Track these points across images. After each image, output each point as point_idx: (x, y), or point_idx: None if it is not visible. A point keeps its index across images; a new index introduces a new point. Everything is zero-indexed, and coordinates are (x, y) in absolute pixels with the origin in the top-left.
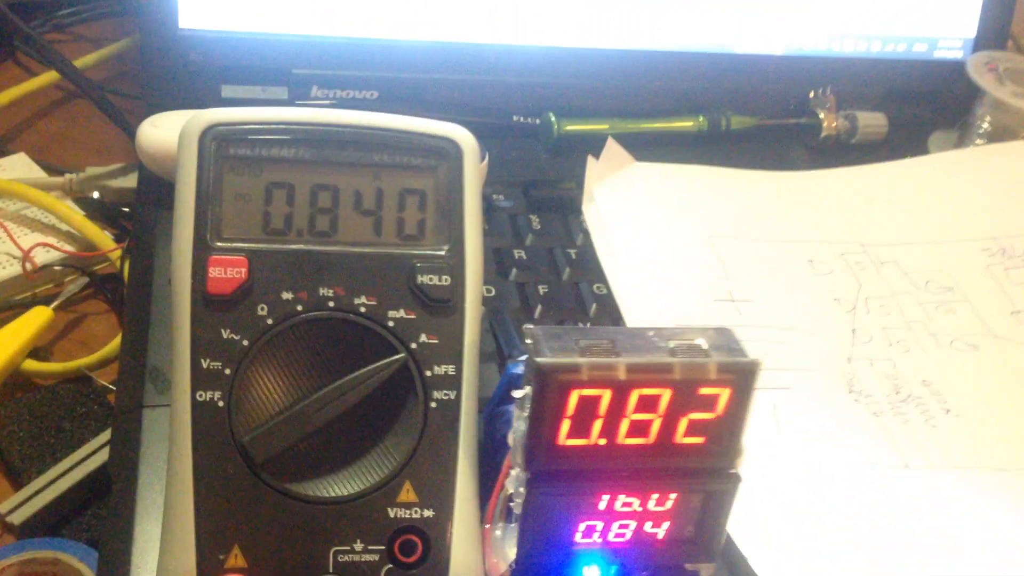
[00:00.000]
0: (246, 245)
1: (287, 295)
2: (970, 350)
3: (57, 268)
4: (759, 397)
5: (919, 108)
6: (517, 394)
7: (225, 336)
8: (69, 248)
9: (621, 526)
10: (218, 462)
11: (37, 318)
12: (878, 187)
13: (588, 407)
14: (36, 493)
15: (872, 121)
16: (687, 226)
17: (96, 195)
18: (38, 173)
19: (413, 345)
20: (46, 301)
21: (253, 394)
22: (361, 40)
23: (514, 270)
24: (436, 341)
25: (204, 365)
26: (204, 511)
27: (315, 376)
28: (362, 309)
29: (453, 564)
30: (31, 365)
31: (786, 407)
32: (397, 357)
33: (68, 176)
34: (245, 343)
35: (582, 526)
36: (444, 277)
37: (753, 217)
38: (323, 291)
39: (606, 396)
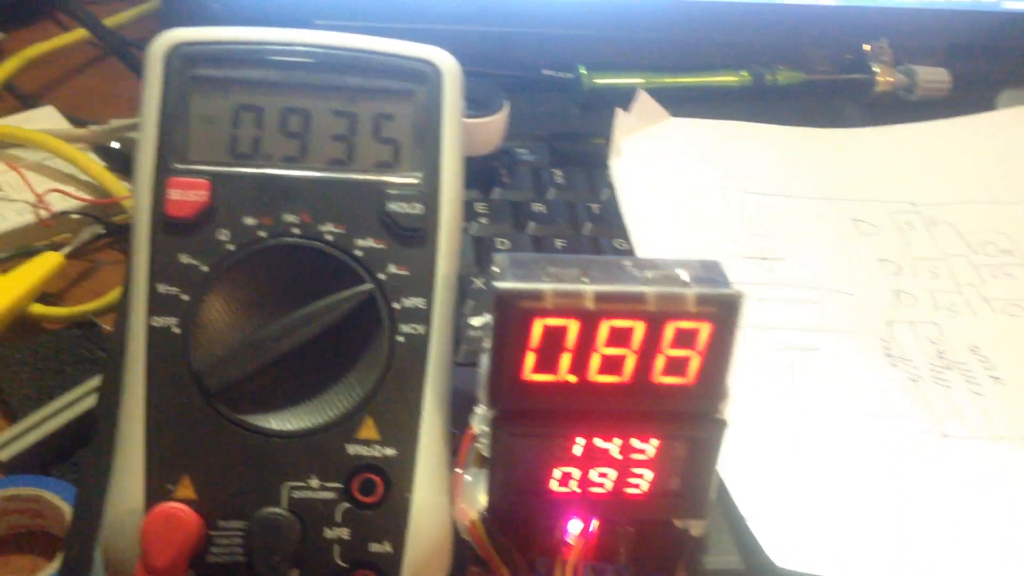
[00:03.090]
0: (209, 168)
1: (250, 220)
2: None
3: (74, 216)
4: (783, 356)
5: (985, 63)
6: (476, 321)
7: (184, 261)
8: (87, 197)
9: (600, 475)
10: (171, 390)
11: (46, 263)
12: (935, 144)
13: (554, 339)
14: (26, 432)
15: (933, 77)
16: (720, 182)
17: (116, 145)
18: (64, 125)
19: (381, 276)
20: (62, 249)
21: (211, 322)
22: None
23: (532, 223)
24: (406, 272)
25: (161, 290)
26: (154, 439)
27: (277, 306)
28: (328, 237)
29: (415, 506)
30: (38, 309)
31: (812, 367)
32: (363, 287)
33: (91, 128)
34: (204, 269)
35: (557, 473)
36: (416, 205)
37: (794, 175)
38: (288, 217)
39: (573, 327)
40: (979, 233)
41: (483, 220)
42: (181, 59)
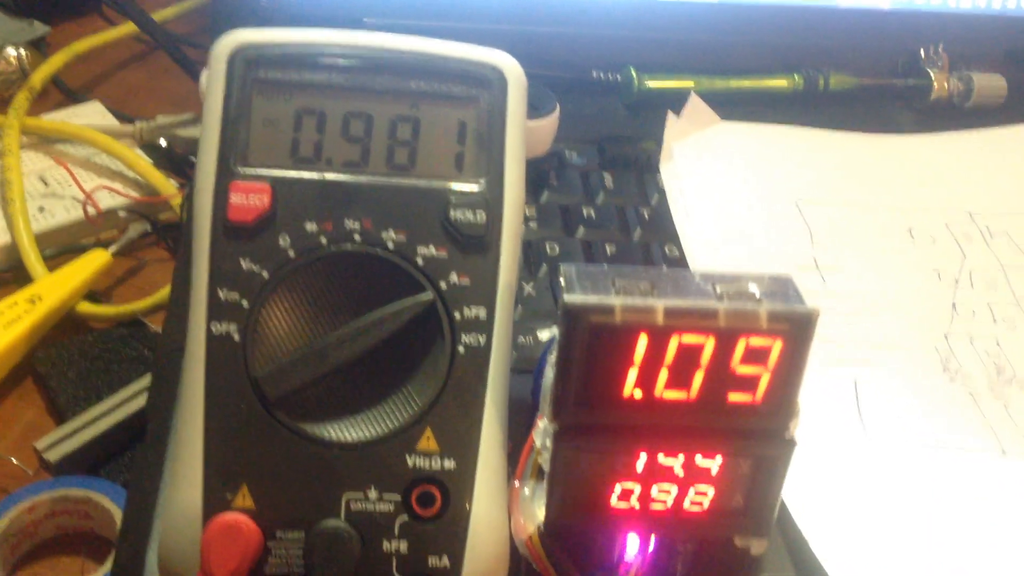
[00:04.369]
0: (271, 172)
1: (311, 226)
2: None
3: (121, 213)
4: (841, 371)
5: None
6: (544, 335)
7: (244, 267)
8: (134, 194)
9: (661, 491)
10: (231, 397)
11: (94, 261)
12: (992, 153)
13: (622, 354)
14: (75, 432)
15: (989, 83)
16: (773, 188)
17: (163, 142)
18: (110, 121)
19: (442, 284)
20: (109, 246)
21: (270, 329)
22: None
23: (582, 228)
24: (467, 281)
25: (221, 296)
26: (213, 447)
27: (336, 313)
28: (390, 244)
29: (474, 520)
30: (86, 307)
31: (870, 382)
32: (424, 296)
33: (138, 124)
34: (265, 275)
35: (617, 488)
36: (480, 213)
37: (848, 182)
38: (349, 223)
39: (642, 342)
40: None
41: (532, 224)
42: (244, 61)
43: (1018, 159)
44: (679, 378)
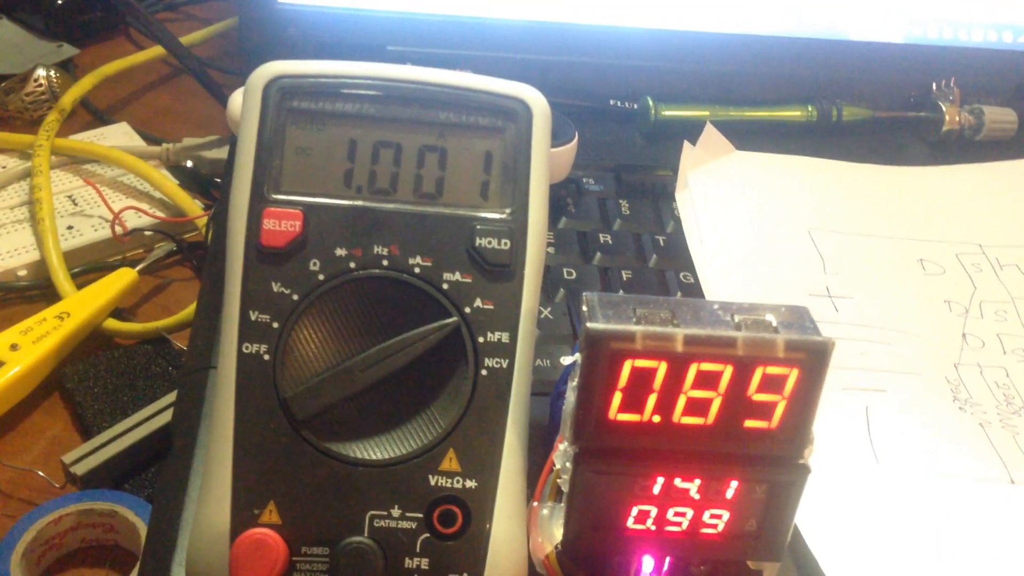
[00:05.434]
0: (303, 199)
1: (341, 251)
2: None
3: (148, 233)
4: (852, 398)
5: None
6: (566, 360)
7: (275, 289)
8: (160, 214)
9: (676, 514)
10: (260, 416)
11: (121, 279)
12: (1003, 185)
13: (642, 380)
14: (101, 446)
15: (1000, 117)
16: (786, 218)
17: (189, 164)
18: (138, 142)
19: (467, 309)
20: (135, 265)
21: (300, 350)
22: (456, 18)
23: (598, 254)
24: (491, 307)
25: (252, 317)
26: (242, 464)
27: (364, 335)
28: (416, 270)
29: (493, 539)
30: (112, 324)
31: (881, 410)
32: (449, 321)
33: (165, 146)
34: (295, 298)
35: (634, 511)
36: (504, 241)
37: (860, 212)
38: (378, 249)
39: (661, 369)
40: None
41: (550, 249)
42: (279, 91)
43: None
44: (697, 405)
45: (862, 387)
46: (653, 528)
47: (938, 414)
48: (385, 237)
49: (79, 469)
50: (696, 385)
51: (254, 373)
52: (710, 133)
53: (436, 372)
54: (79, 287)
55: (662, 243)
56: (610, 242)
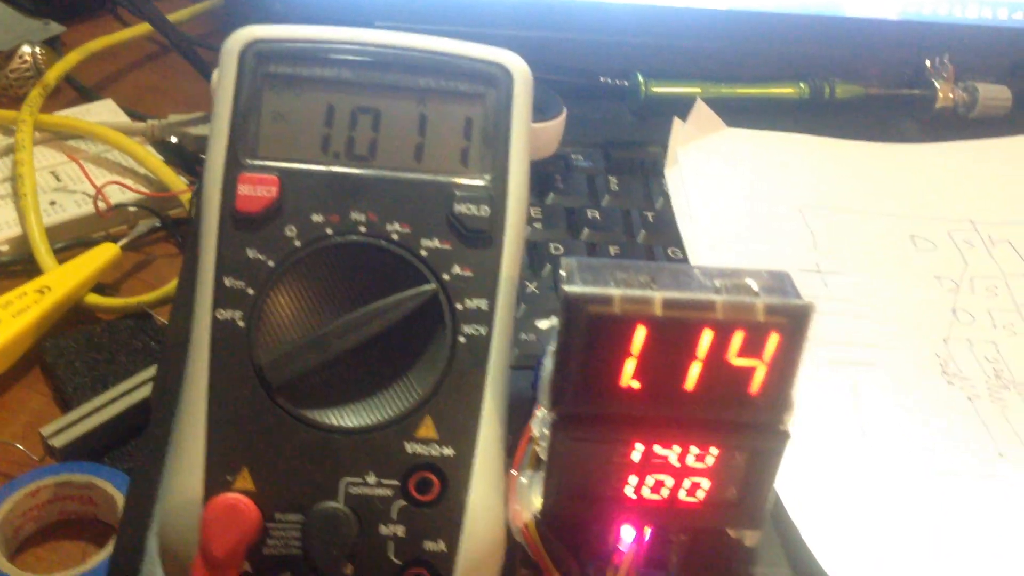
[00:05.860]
0: (279, 164)
1: (317, 217)
2: None
3: (131, 209)
4: (840, 372)
5: None
6: (543, 324)
7: (251, 256)
8: (144, 190)
9: (657, 482)
10: (234, 383)
11: (103, 254)
12: (996, 162)
13: (620, 344)
14: (80, 419)
15: (994, 94)
16: (776, 194)
17: (174, 140)
18: (122, 118)
19: (445, 276)
20: (118, 240)
21: (275, 316)
22: None
23: (586, 230)
24: (470, 274)
25: (227, 284)
26: (216, 430)
27: (341, 302)
28: (394, 236)
29: (470, 507)
30: (94, 299)
31: (869, 384)
32: (427, 287)
33: (150, 122)
34: (271, 264)
35: (614, 478)
36: (483, 208)
37: (852, 189)
38: (355, 216)
39: (640, 333)
40: None
41: (537, 225)
42: (255, 56)
43: (1021, 169)
44: (676, 369)
45: (850, 361)
46: (633, 496)
47: (926, 388)
48: (363, 203)
49: (57, 441)
50: (676, 349)
51: (228, 340)
52: (700, 109)
53: (413, 339)
54: (61, 262)
55: (651, 219)
56: (598, 218)
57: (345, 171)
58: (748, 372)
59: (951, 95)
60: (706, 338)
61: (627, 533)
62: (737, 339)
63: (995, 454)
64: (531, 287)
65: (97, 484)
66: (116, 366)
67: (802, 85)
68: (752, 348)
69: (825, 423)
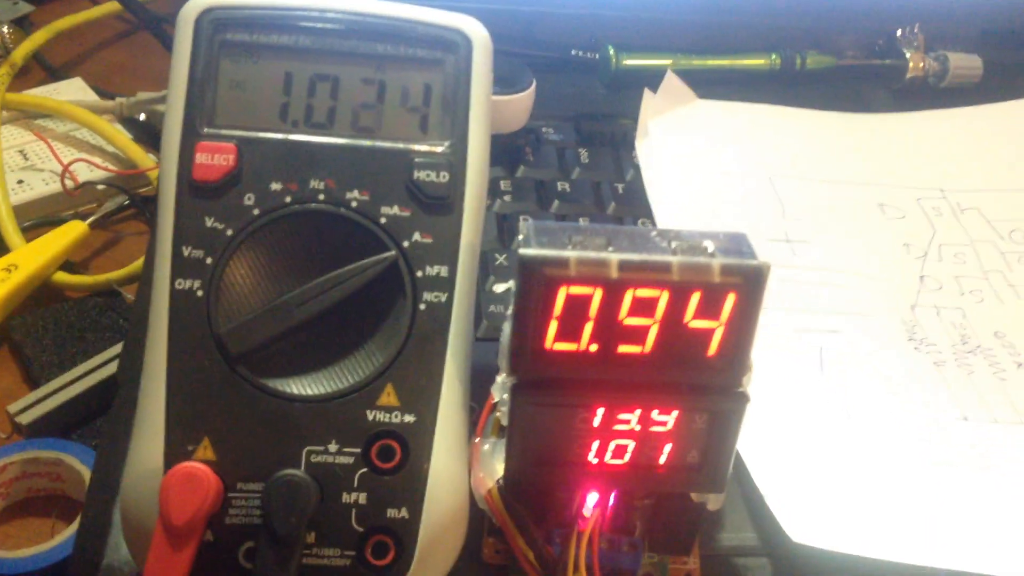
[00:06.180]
0: (237, 133)
1: (276, 186)
2: None
3: (100, 187)
4: (805, 339)
5: (1017, 51)
6: (499, 287)
7: (209, 224)
8: (112, 168)
9: (618, 447)
10: (193, 352)
11: (71, 232)
12: (965, 131)
13: (577, 307)
14: (47, 396)
15: (965, 63)
16: (747, 165)
17: (143, 117)
18: (91, 97)
19: (405, 243)
20: (87, 218)
21: (234, 286)
22: None
23: (556, 202)
24: (430, 240)
25: (185, 253)
26: (175, 401)
27: (300, 271)
28: (353, 204)
29: (432, 474)
30: (62, 277)
31: (834, 350)
32: (387, 255)
33: (118, 100)
34: (229, 232)
35: (576, 443)
36: (443, 174)
37: (822, 159)
38: (314, 183)
39: (597, 296)
40: (1006, 220)
41: (507, 198)
42: (211, 24)
43: (990, 138)
44: (634, 332)
45: (817, 329)
46: (595, 461)
47: (892, 353)
48: (321, 171)
49: (24, 418)
50: (633, 312)
51: (187, 310)
52: (671, 80)
53: (374, 307)
54: (29, 241)
55: (621, 191)
56: (568, 190)
57: (304, 139)
58: (705, 333)
59: (922, 65)
60: (663, 300)
61: (591, 498)
62: (694, 300)
63: (960, 417)
64: (500, 259)
65: (65, 460)
66: (85, 344)
67: (774, 56)
68: (709, 309)
69: (791, 390)
